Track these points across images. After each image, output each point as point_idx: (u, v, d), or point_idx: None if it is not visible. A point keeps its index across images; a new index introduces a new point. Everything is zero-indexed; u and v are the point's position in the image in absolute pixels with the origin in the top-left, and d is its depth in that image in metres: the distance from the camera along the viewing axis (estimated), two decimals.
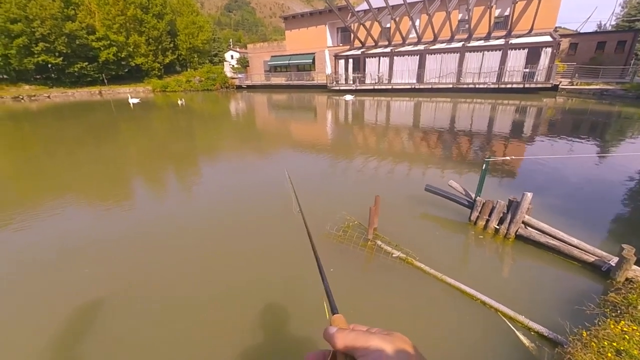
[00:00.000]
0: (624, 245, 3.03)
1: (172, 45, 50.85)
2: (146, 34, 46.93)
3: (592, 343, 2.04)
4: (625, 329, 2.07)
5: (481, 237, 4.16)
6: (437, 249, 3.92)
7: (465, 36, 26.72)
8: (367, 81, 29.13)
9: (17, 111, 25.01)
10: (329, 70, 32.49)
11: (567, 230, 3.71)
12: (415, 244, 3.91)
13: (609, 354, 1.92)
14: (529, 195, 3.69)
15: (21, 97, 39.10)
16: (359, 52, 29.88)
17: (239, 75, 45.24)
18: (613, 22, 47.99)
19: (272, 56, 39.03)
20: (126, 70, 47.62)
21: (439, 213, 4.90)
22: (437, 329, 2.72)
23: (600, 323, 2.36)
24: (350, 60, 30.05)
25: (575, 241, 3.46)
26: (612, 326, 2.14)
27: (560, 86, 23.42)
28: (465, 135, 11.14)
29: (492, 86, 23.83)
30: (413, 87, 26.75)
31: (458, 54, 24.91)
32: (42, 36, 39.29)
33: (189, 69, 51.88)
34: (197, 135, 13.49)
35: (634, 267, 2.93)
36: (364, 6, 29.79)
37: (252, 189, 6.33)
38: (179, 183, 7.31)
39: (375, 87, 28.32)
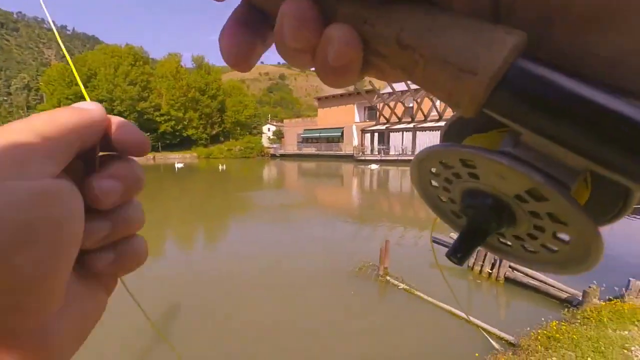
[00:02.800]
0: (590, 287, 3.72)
1: (220, 119, 59.06)
2: (200, 111, 55.39)
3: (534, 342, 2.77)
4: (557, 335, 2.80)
5: (478, 281, 4.87)
6: (437, 284, 4.68)
7: None
8: (392, 152, 31.40)
9: None
10: (355, 142, 35.65)
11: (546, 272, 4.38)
12: (419, 283, 4.72)
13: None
14: None
15: None
16: (383, 127, 33.02)
17: (274, 145, 50.44)
18: None
19: (304, 129, 43.80)
20: (177, 139, 55.18)
21: (442, 261, 5.67)
22: (429, 333, 3.45)
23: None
24: (376, 134, 33.07)
25: (551, 281, 4.13)
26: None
27: None
28: None
29: None
30: None
31: None
32: (118, 113, 48.03)
33: (231, 139, 58.79)
34: (231, 195, 15.47)
35: (595, 301, 3.56)
36: (388, 89, 34.05)
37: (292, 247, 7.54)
38: (206, 236, 8.71)
39: (399, 157, 30.35)
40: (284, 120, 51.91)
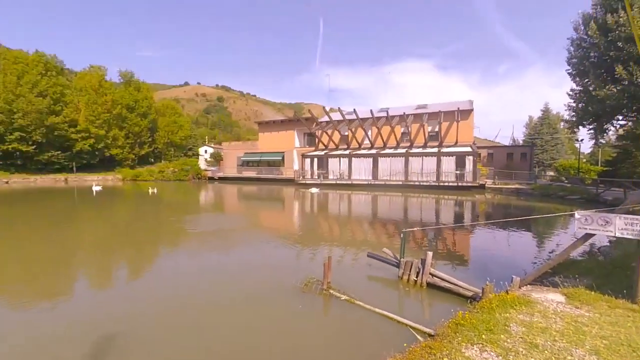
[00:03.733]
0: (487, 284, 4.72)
1: (150, 139, 54.36)
2: (127, 129, 50.32)
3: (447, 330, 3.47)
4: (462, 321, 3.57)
5: (407, 289, 5.63)
6: (374, 293, 5.27)
7: (408, 144, 32.93)
8: (330, 177, 33.03)
9: None
10: (296, 166, 36.52)
11: (454, 275, 5.37)
12: (358, 293, 5.25)
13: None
14: (430, 253, 5.45)
15: None
16: (322, 152, 34.75)
17: (212, 168, 48.24)
18: (523, 138, 62.18)
19: (245, 152, 43.24)
20: (97, 159, 48.72)
21: (377, 273, 6.38)
22: (367, 334, 3.92)
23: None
24: (316, 159, 34.51)
25: (461, 283, 5.09)
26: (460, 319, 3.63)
27: (486, 185, 28.55)
28: (401, 220, 13.47)
29: (433, 183, 28.42)
30: (369, 182, 30.79)
31: (403, 158, 30.18)
32: (20, 126, 40.61)
33: (163, 161, 54.33)
34: (164, 221, 14.41)
35: (490, 295, 4.55)
36: (326, 118, 36.37)
37: (240, 271, 7.43)
38: (143, 267, 8.13)
39: (337, 182, 32.07)
40: (223, 143, 50.41)
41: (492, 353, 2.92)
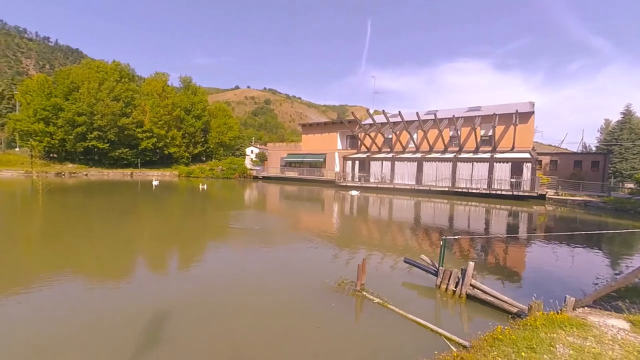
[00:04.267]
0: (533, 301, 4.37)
1: (203, 139, 58.91)
2: (184, 130, 55.17)
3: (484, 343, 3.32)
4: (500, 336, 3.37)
5: (444, 298, 5.43)
6: (408, 300, 5.18)
7: (457, 149, 31.12)
8: (372, 180, 32.59)
9: (55, 184, 28.36)
10: (337, 168, 36.71)
11: (500, 290, 5.02)
12: (392, 298, 5.20)
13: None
14: (472, 264, 5.18)
15: (63, 173, 43.96)
16: (364, 155, 34.45)
17: (257, 167, 50.67)
18: (596, 144, 54.88)
19: (288, 154, 44.63)
20: (158, 157, 54.21)
21: (414, 280, 6.23)
22: (398, 339, 3.90)
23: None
24: (357, 162, 34.34)
25: (504, 297, 4.76)
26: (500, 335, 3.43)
27: (547, 196, 25.82)
28: (445, 228, 12.80)
29: (483, 191, 26.49)
30: (412, 187, 29.74)
31: (451, 163, 28.62)
32: (98, 126, 46.90)
33: (213, 159, 58.46)
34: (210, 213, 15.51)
35: (537, 313, 4.19)
36: (369, 121, 35.97)
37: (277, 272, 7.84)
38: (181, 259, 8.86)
39: (379, 185, 31.51)
40: (268, 144, 52.70)
41: None
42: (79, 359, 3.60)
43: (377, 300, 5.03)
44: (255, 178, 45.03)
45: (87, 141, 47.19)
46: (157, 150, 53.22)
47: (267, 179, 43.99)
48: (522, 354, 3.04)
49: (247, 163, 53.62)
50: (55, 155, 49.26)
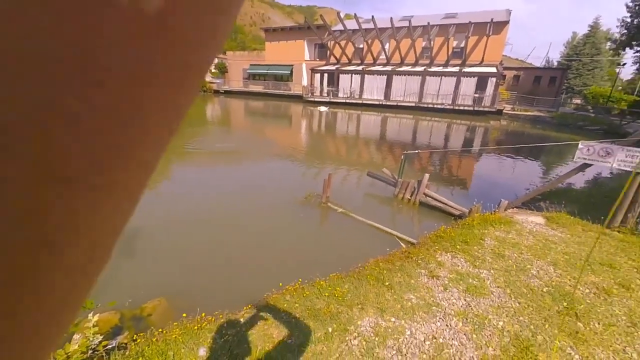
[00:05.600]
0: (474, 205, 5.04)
1: None
2: None
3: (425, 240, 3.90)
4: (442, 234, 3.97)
5: (400, 206, 6.07)
6: (369, 208, 5.75)
7: (428, 62, 30.16)
8: (340, 95, 31.59)
9: None
10: (305, 82, 34.65)
11: (449, 197, 5.72)
12: (355, 208, 5.71)
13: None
14: (427, 175, 5.67)
15: None
16: (333, 67, 32.39)
17: (217, 80, 46.12)
18: (559, 59, 55.64)
19: (251, 64, 40.57)
20: None
21: (375, 191, 6.80)
22: (358, 241, 4.48)
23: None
24: (326, 75, 32.44)
25: (451, 203, 5.46)
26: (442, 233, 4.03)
27: (504, 111, 27.20)
28: (408, 143, 13.49)
29: (448, 107, 27.14)
30: (381, 103, 29.54)
31: (420, 77, 28.11)
32: None
33: None
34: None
35: (476, 215, 4.92)
36: (340, 27, 32.56)
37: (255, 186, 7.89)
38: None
39: (347, 100, 30.81)
40: (227, 53, 46.83)
41: (461, 259, 3.37)
42: None
43: (340, 210, 5.50)
44: (217, 92, 41.55)
45: None
46: None
47: (229, 93, 40.81)
48: (457, 246, 3.66)
49: (206, 75, 48.35)
50: None
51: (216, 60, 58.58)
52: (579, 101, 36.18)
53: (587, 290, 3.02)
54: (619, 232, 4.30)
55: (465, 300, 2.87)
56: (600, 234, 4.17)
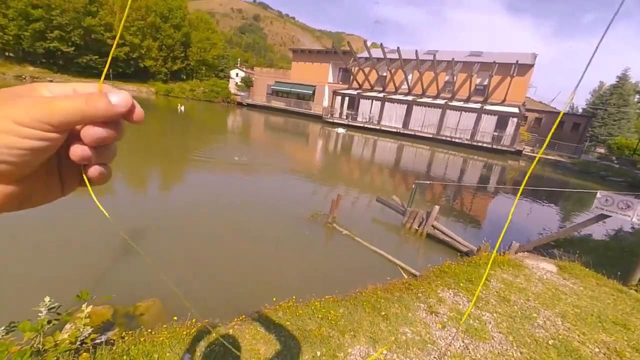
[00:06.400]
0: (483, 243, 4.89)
1: (183, 54, 53.50)
2: (160, 40, 49.48)
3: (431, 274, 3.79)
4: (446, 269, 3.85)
5: (407, 235, 5.96)
6: (374, 234, 5.66)
7: (449, 95, 30.44)
8: (359, 119, 32.05)
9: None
10: (326, 103, 35.47)
11: (459, 232, 5.57)
12: (360, 232, 5.65)
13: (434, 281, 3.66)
14: (437, 207, 5.57)
15: (24, 76, 39.75)
16: (355, 92, 33.12)
17: (242, 93, 47.82)
18: (584, 106, 55.05)
19: (276, 81, 42.03)
20: (132, 69, 49.34)
21: (383, 218, 6.71)
22: (359, 266, 4.39)
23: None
24: (347, 98, 33.16)
25: (459, 239, 5.31)
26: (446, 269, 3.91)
27: (523, 152, 26.79)
28: (422, 173, 13.37)
29: (466, 142, 26.99)
30: (398, 131, 29.72)
31: (440, 110, 28.30)
32: (59, 25, 40.98)
33: (194, 79, 54.25)
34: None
35: (484, 254, 4.76)
36: (365, 54, 33.60)
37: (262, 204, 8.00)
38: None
39: (366, 125, 31.18)
40: (255, 68, 48.87)
41: (463, 298, 3.24)
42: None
43: (345, 232, 5.45)
44: (240, 104, 42.98)
45: (48, 41, 41.62)
46: (131, 62, 48.12)
47: (251, 106, 42.12)
48: (461, 284, 3.53)
49: (232, 87, 50.38)
50: (11, 55, 43.69)
51: (243, 74, 61.08)
52: (602, 150, 35.26)
53: (597, 350, 2.82)
54: (636, 291, 4.04)
55: (463, 342, 2.73)
56: (616, 291, 3.94)
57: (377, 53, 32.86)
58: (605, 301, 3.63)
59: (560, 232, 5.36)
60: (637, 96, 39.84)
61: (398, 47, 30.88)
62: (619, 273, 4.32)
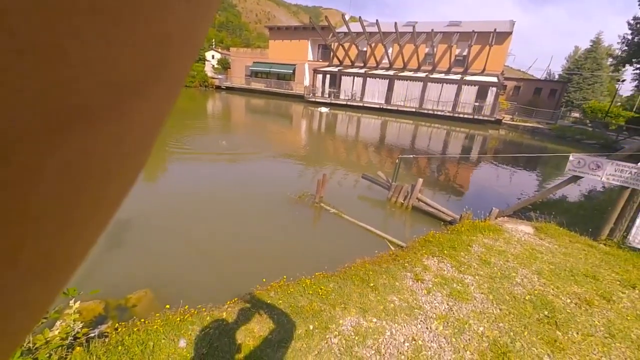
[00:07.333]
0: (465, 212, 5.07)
1: None
2: None
3: (416, 244, 3.93)
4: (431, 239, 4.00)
5: (393, 209, 6.10)
6: (361, 210, 5.77)
7: (430, 68, 30.32)
8: (342, 97, 31.64)
9: None
10: (307, 82, 34.70)
11: (443, 202, 5.75)
12: (347, 209, 5.73)
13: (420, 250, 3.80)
14: (420, 180, 5.70)
15: None
16: (336, 69, 32.45)
17: (219, 76, 46.04)
18: (560, 72, 56.08)
19: (254, 62, 40.56)
20: None
21: (370, 194, 6.82)
22: (347, 242, 4.50)
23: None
24: (328, 76, 32.49)
25: (443, 209, 5.49)
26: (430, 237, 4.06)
27: (503, 121, 27.36)
28: (406, 148, 13.55)
29: (448, 114, 27.27)
30: (381, 107, 29.62)
31: (422, 83, 28.23)
32: None
33: None
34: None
35: (467, 221, 4.96)
36: (344, 29, 32.67)
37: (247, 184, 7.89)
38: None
39: (348, 102, 30.87)
40: (231, 49, 46.80)
41: (447, 264, 3.40)
42: None
43: (333, 210, 5.52)
44: (218, 88, 41.49)
45: None
46: None
47: (230, 89, 40.78)
48: (444, 251, 3.68)
49: (208, 70, 48.33)
50: None
51: (219, 56, 58.63)
52: (577, 115, 36.45)
53: (569, 300, 3.06)
54: (605, 245, 4.35)
55: (447, 304, 2.90)
56: (587, 246, 4.22)
57: (356, 27, 32.01)
58: (577, 256, 3.90)
59: (537, 196, 5.62)
60: (610, 59, 40.76)
61: (377, 20, 30.12)
62: (590, 230, 4.61)
